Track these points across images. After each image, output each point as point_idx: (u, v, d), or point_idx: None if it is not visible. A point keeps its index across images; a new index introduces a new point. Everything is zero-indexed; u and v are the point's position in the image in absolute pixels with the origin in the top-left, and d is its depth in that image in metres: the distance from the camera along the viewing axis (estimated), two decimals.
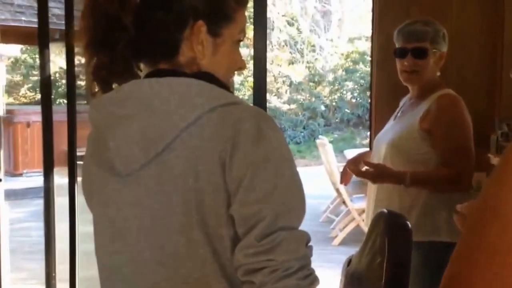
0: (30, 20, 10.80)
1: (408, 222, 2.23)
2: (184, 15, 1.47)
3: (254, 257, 1.37)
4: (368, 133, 13.75)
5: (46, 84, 4.36)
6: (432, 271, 2.52)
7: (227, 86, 1.53)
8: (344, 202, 8.05)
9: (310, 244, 1.43)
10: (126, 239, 1.51)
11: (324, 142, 8.86)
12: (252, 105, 1.59)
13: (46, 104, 4.31)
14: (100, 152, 1.52)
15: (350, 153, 6.27)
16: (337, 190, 8.18)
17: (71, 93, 4.33)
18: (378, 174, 2.99)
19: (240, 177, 1.38)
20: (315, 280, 1.40)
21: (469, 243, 0.84)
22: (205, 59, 1.51)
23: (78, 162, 4.16)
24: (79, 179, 4.28)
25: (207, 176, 1.39)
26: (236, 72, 1.70)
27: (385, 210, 2.28)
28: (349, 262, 2.40)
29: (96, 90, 1.52)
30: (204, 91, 1.43)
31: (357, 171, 3.14)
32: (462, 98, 3.06)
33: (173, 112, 1.41)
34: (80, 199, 5.17)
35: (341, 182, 3.44)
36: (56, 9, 5.85)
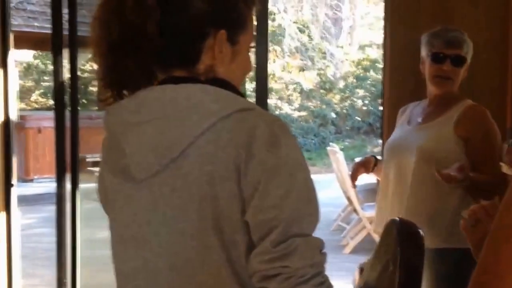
0: (42, 26, 10.85)
1: (420, 230, 2.21)
2: (206, 24, 1.49)
3: (269, 263, 1.37)
4: (379, 141, 13.76)
5: (59, 90, 4.38)
6: (464, 279, 2.50)
7: (241, 93, 1.54)
8: (355, 210, 8.02)
9: (324, 251, 1.43)
10: (140, 245, 1.52)
11: (335, 150, 8.83)
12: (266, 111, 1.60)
13: (60, 110, 4.33)
14: (115, 158, 1.53)
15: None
16: (348, 198, 8.15)
17: (74, 99, 4.35)
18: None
19: (254, 183, 1.39)
20: (329, 287, 1.41)
21: (492, 256, 0.87)
22: (223, 67, 1.52)
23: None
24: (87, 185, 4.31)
25: (222, 182, 1.40)
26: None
27: (397, 219, 2.26)
28: (360, 270, 2.38)
29: (107, 97, 1.52)
30: (219, 98, 1.44)
31: (446, 175, 3.05)
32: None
33: (188, 119, 1.41)
34: (93, 205, 5.20)
35: (353, 185, 3.39)
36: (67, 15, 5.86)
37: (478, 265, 0.88)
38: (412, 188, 3.03)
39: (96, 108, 13.05)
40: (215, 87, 1.46)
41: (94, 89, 13.68)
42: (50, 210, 9.61)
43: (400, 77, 3.95)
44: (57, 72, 4.29)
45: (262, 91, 4.07)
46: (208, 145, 1.41)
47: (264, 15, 4.00)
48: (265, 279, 1.39)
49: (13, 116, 4.33)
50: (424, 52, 3.12)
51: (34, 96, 18.39)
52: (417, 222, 2.22)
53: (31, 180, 12.14)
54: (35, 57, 18.32)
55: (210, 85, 1.46)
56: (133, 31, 1.43)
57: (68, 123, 4.30)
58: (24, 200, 9.52)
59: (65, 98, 4.34)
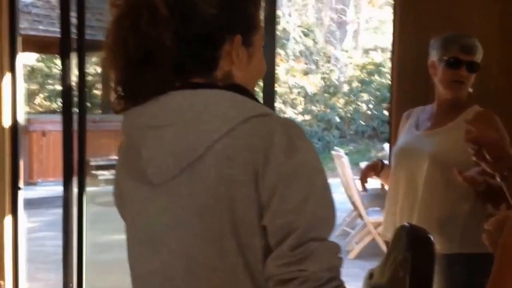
0: (47, 29, 10.87)
1: (431, 236, 2.20)
2: (222, 31, 1.50)
3: (286, 267, 1.38)
4: (384, 145, 13.73)
5: (67, 94, 4.40)
6: (476, 284, 2.49)
7: (256, 98, 1.55)
8: (360, 216, 8.01)
9: (340, 255, 1.44)
10: (157, 248, 1.53)
11: (340, 155, 8.82)
12: (283, 116, 1.61)
13: (67, 114, 4.35)
14: (132, 161, 1.54)
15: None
16: (353, 203, 8.14)
17: (81, 103, 4.36)
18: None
19: (272, 188, 1.40)
20: None
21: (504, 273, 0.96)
22: (240, 71, 1.54)
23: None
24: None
25: (240, 186, 1.41)
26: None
27: (407, 224, 2.25)
28: (370, 275, 2.37)
29: (121, 108, 1.52)
30: (236, 103, 1.46)
31: (470, 177, 3.03)
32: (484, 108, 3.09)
33: (207, 123, 1.42)
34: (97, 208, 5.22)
35: (364, 189, 3.38)
36: (74, 19, 5.88)
37: None
38: (424, 194, 3.02)
39: (100, 111, 13.09)
40: (232, 92, 1.47)
41: (98, 92, 13.72)
42: (54, 214, 9.68)
43: (408, 81, 3.93)
44: (65, 76, 4.32)
45: (269, 95, 4.07)
46: (227, 149, 1.42)
47: (272, 21, 4.00)
48: (282, 283, 1.39)
49: (21, 120, 4.34)
50: (435, 56, 3.11)
51: (38, 100, 18.41)
52: (428, 228, 2.20)
53: (35, 184, 12.16)
54: (38, 61, 18.33)
55: (227, 90, 1.48)
56: (150, 44, 1.44)
57: (75, 126, 4.31)
58: (28, 204, 9.47)
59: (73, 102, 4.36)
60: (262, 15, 1.61)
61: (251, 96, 1.53)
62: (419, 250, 2.10)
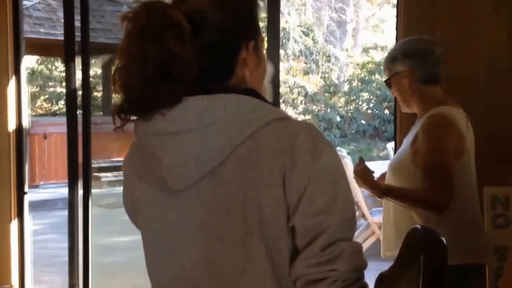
0: (48, 32, 10.87)
1: (443, 238, 2.19)
2: (239, 39, 1.53)
3: (316, 267, 1.42)
4: (387, 144, 13.71)
5: (71, 97, 4.40)
6: None
7: (269, 102, 1.57)
8: (363, 216, 7.99)
9: (364, 256, 1.49)
10: (178, 254, 1.53)
11: (343, 155, 8.78)
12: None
13: (71, 116, 4.35)
14: (149, 169, 1.52)
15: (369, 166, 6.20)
16: (356, 203, 8.11)
17: (86, 106, 4.38)
18: (361, 178, 3.03)
19: (300, 190, 1.42)
20: None
21: None
22: (253, 75, 1.56)
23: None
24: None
25: (266, 189, 1.43)
26: None
27: (418, 226, 2.24)
28: (381, 278, 2.36)
29: (128, 120, 1.50)
30: (255, 107, 1.48)
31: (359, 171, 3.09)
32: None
33: (228, 128, 1.43)
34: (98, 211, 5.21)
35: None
36: (77, 22, 5.89)
37: None
38: (394, 206, 3.02)
39: (101, 113, 13.11)
40: (249, 96, 1.49)
41: (99, 94, 13.73)
42: (57, 216, 9.68)
43: None
44: (69, 79, 4.33)
45: (274, 96, 4.06)
46: (251, 153, 1.43)
47: (275, 22, 3.99)
48: (312, 283, 1.43)
49: (26, 123, 4.33)
50: None
51: (39, 102, 18.39)
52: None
53: (37, 186, 12.14)
54: (39, 63, 18.32)
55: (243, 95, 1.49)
56: (170, 59, 1.42)
57: (79, 129, 4.31)
58: (31, 206, 9.43)
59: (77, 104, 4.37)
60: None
61: (265, 100, 1.55)
62: (431, 252, 2.09)
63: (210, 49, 1.49)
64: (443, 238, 2.18)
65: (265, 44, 1.69)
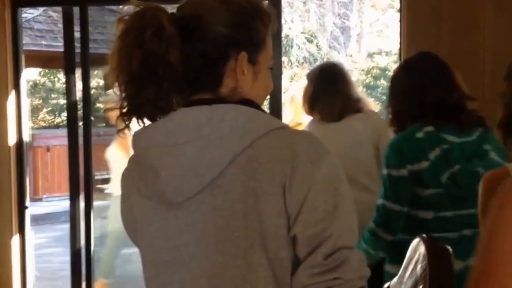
0: (50, 44, 10.88)
1: (449, 248, 2.17)
2: (227, 48, 1.51)
3: (320, 276, 1.40)
4: None
5: (72, 108, 4.39)
6: None
7: (266, 112, 1.56)
8: None
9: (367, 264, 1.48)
10: (178, 267, 1.50)
11: None
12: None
13: (72, 128, 4.36)
14: (147, 182, 1.50)
15: None
16: None
17: (87, 117, 4.38)
18: None
19: (301, 198, 1.42)
20: None
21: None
22: (246, 88, 1.54)
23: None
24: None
25: (267, 198, 1.42)
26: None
27: (424, 235, 2.23)
28: None
29: (124, 127, 1.52)
30: (253, 117, 1.47)
31: None
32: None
33: (227, 138, 1.42)
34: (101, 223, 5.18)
35: None
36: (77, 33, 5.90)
37: None
38: None
39: (104, 124, 13.10)
40: (247, 107, 1.47)
41: (101, 105, 13.71)
42: (60, 229, 9.65)
43: None
44: (70, 91, 4.34)
45: (276, 104, 4.06)
46: (251, 162, 1.42)
47: (277, 30, 3.96)
48: None
49: (26, 137, 4.31)
50: None
51: (41, 115, 18.38)
52: None
53: (40, 199, 12.13)
54: (41, 75, 18.32)
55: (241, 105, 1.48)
56: (154, 61, 1.44)
57: (80, 140, 4.30)
58: (33, 220, 9.40)
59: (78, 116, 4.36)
60: (270, 34, 1.60)
61: (263, 110, 1.54)
62: (437, 261, 2.07)
63: (200, 55, 1.49)
64: (449, 248, 2.15)
65: (271, 60, 1.62)
